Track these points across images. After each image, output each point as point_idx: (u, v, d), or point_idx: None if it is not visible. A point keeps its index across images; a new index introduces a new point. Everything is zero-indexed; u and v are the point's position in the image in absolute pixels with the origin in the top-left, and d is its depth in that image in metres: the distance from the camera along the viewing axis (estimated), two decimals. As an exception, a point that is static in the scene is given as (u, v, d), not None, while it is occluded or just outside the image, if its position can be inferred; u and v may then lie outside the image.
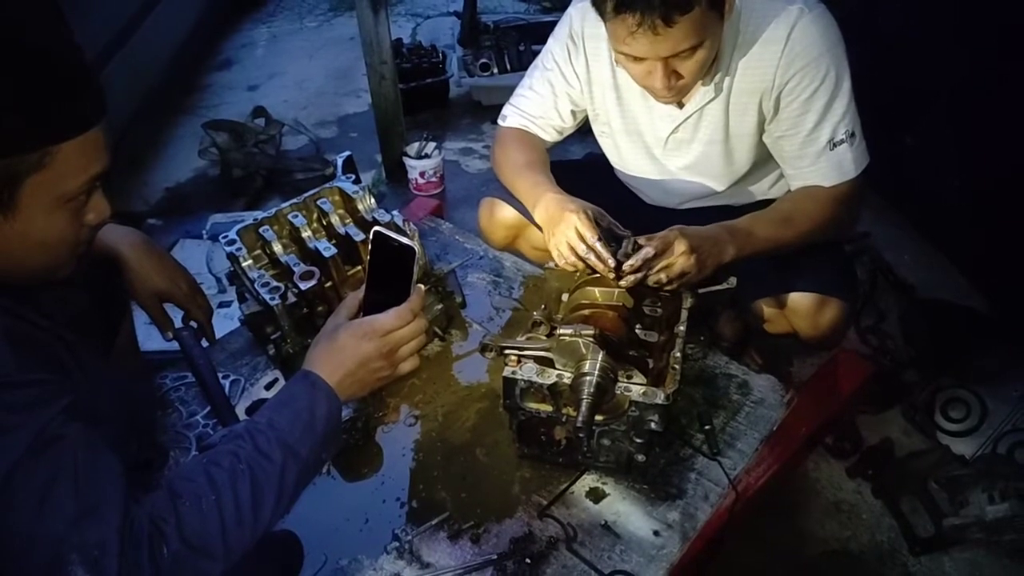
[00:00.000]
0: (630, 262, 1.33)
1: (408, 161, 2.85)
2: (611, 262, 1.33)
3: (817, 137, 1.43)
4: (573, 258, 1.37)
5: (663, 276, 1.35)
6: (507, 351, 1.33)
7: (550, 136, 1.72)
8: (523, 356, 1.32)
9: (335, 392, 1.04)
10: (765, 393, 1.58)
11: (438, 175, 2.88)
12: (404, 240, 1.11)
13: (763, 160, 1.58)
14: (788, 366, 1.86)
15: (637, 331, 1.37)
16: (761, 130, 1.50)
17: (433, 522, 1.36)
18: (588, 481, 1.42)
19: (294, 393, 1.03)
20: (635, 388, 1.27)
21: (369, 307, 1.17)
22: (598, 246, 1.34)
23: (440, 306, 1.67)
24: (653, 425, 1.27)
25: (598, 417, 1.27)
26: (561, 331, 1.29)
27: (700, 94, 1.48)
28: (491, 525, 1.36)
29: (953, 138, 2.08)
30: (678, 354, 1.35)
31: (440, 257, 1.96)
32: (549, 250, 1.42)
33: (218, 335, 1.77)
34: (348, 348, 1.06)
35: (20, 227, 0.84)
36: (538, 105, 1.69)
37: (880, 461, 1.64)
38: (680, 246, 1.34)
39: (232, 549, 0.86)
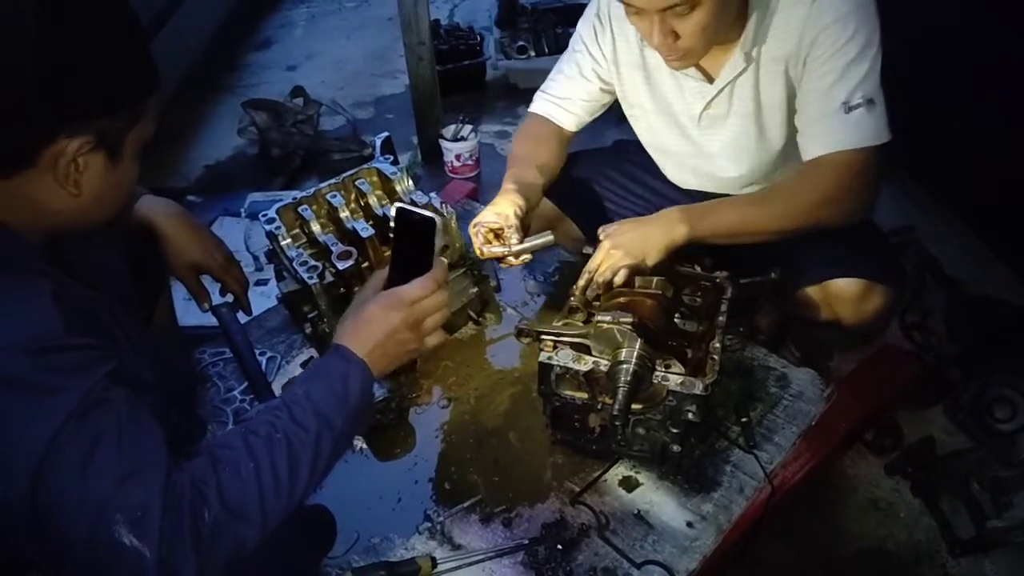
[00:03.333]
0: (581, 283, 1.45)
1: (444, 144, 2.84)
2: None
3: (833, 96, 1.34)
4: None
5: (597, 280, 1.41)
6: (543, 336, 1.32)
7: (576, 119, 1.70)
8: (559, 342, 1.31)
9: (367, 365, 1.04)
10: (804, 387, 1.55)
11: (474, 158, 2.87)
12: (426, 213, 1.11)
13: (795, 136, 1.53)
14: (828, 360, 1.82)
15: (676, 320, 1.35)
16: (792, 101, 1.45)
17: (465, 504, 1.37)
18: (621, 470, 1.41)
19: (328, 366, 1.03)
20: (673, 377, 1.25)
21: (393, 283, 1.17)
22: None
23: (475, 289, 1.66)
24: (691, 416, 1.25)
25: (634, 406, 1.26)
26: (599, 318, 1.28)
27: (729, 66, 1.44)
28: (523, 510, 1.35)
29: (1002, 126, 2.01)
30: (717, 345, 1.33)
31: (476, 240, 1.95)
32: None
33: (255, 312, 1.79)
34: (376, 320, 1.06)
35: (119, 175, 0.92)
36: (565, 86, 1.68)
37: (921, 459, 1.60)
38: (605, 244, 1.41)
39: (269, 516, 0.87)
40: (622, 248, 1.39)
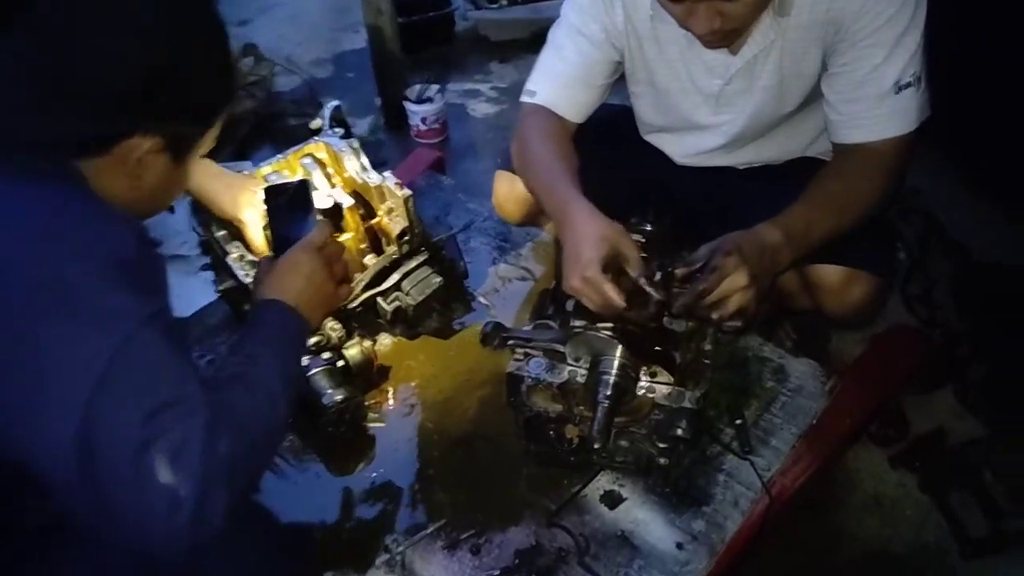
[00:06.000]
0: (684, 300, 1.08)
1: (408, 106, 2.62)
2: (620, 303, 1.07)
3: (882, 75, 1.18)
4: (599, 309, 1.11)
5: (715, 316, 1.09)
6: (512, 343, 1.15)
7: (583, 108, 1.41)
8: (530, 348, 1.15)
9: (298, 311, 1.02)
10: (803, 380, 1.41)
11: (441, 121, 2.65)
12: (294, 180, 1.16)
13: (812, 100, 1.34)
14: (826, 342, 1.67)
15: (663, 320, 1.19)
16: (821, 70, 1.26)
17: (428, 530, 1.22)
18: (603, 483, 1.27)
19: (262, 319, 1.01)
20: (659, 388, 1.10)
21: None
22: (610, 295, 1.07)
23: (439, 280, 1.48)
24: (680, 432, 1.10)
25: (617, 419, 1.10)
26: (576, 322, 1.11)
27: (759, 36, 1.24)
28: (493, 534, 1.21)
29: (1016, 80, 1.83)
30: (708, 347, 1.17)
31: (440, 220, 1.78)
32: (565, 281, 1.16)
33: (199, 305, 1.64)
34: (290, 270, 1.06)
35: (178, 175, 0.94)
36: (573, 66, 1.38)
37: (930, 451, 1.48)
38: (740, 278, 1.06)
39: (274, 447, 1.04)
40: (755, 285, 1.08)
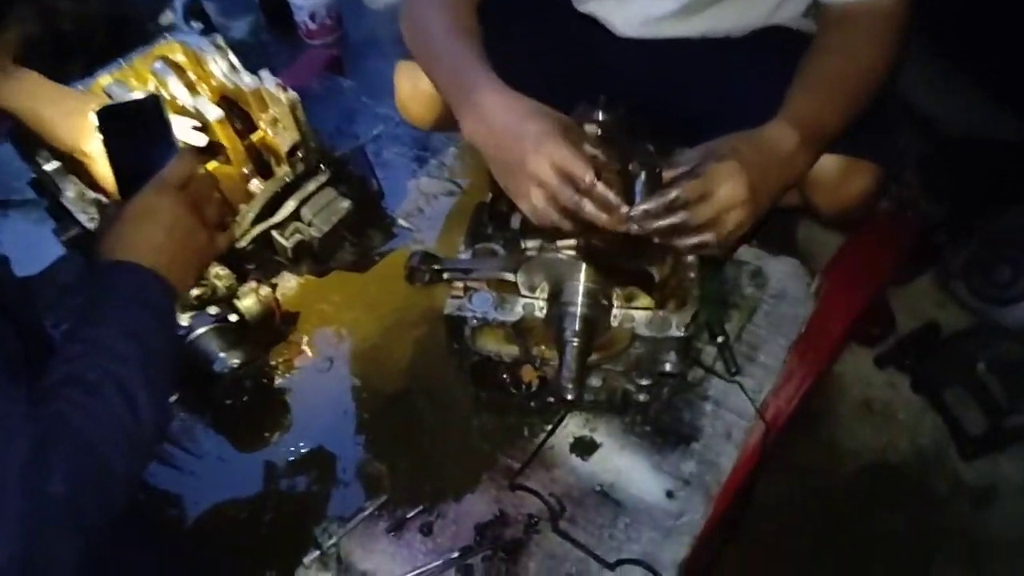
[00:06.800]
0: (646, 206, 0.79)
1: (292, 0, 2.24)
2: (624, 210, 0.78)
3: None
4: (555, 216, 0.82)
5: (709, 238, 0.82)
6: (447, 276, 0.90)
7: None
8: (472, 281, 0.90)
9: (161, 276, 0.80)
10: (786, 282, 1.22)
11: (333, 15, 2.27)
12: (139, 94, 1.00)
13: None
14: (792, 236, 1.47)
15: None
16: None
17: (367, 511, 1.00)
18: (572, 428, 1.06)
19: (108, 290, 0.78)
20: (639, 316, 0.88)
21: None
22: (599, 188, 0.78)
23: (348, 202, 1.20)
24: (668, 366, 0.89)
25: (589, 358, 0.88)
26: (528, 242, 0.87)
27: None
28: (446, 507, 1.00)
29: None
30: (692, 259, 0.95)
31: (342, 130, 1.48)
32: (504, 190, 0.87)
33: (52, 258, 1.32)
34: (143, 218, 0.82)
35: None
36: None
37: (920, 347, 1.33)
38: (737, 188, 0.81)
39: (133, 466, 0.72)
40: (755, 199, 0.83)
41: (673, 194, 0.79)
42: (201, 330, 1.05)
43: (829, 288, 1.22)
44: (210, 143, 1.13)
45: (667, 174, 0.83)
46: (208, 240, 0.88)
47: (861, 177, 1.06)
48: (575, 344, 0.83)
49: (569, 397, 0.81)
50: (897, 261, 1.30)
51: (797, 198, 1.15)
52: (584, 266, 0.85)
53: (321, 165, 1.20)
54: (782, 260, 1.25)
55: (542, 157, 0.79)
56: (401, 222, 1.32)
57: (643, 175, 0.82)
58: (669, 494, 1.00)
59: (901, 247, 1.30)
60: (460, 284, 0.91)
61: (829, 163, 1.05)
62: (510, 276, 0.88)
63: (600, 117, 0.95)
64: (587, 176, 0.78)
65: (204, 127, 1.12)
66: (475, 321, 0.89)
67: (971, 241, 1.45)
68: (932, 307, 1.43)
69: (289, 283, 1.24)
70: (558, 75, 1.10)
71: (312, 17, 2.25)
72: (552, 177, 0.79)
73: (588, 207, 0.79)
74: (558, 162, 0.79)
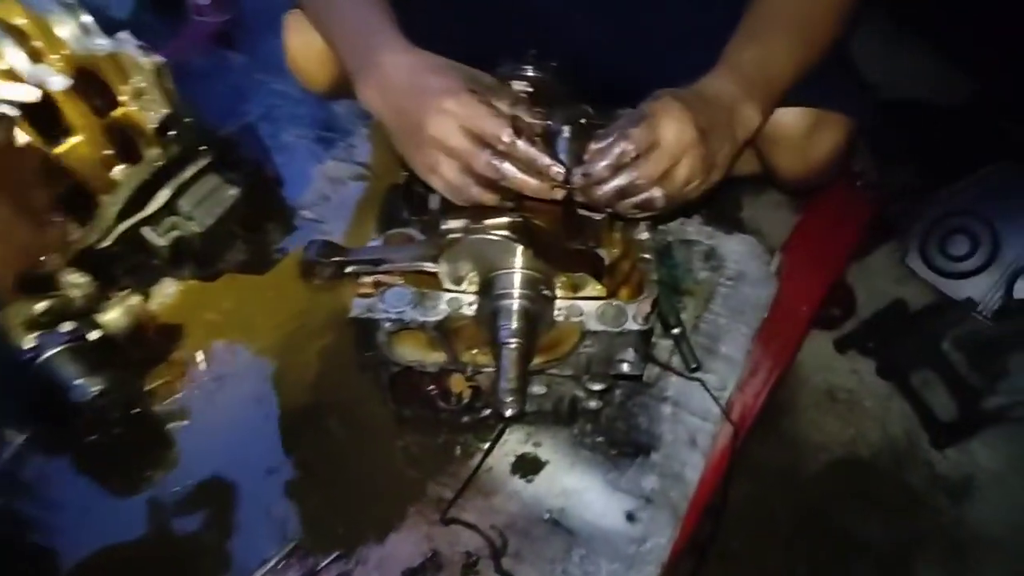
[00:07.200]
0: (588, 168, 0.67)
1: (180, -24, 2.00)
2: (558, 170, 0.66)
3: None
4: (474, 189, 0.69)
5: (657, 195, 0.70)
6: (352, 269, 0.73)
7: None
8: (384, 275, 0.74)
9: None
10: (743, 263, 1.10)
11: (227, -8, 2.05)
12: None
13: None
14: (737, 211, 1.36)
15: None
16: None
17: (271, 561, 0.82)
18: (512, 445, 0.90)
19: None
20: (588, 308, 0.72)
21: None
22: (521, 146, 0.66)
23: (235, 190, 1.01)
24: (625, 367, 0.74)
25: (531, 363, 0.72)
26: (449, 224, 0.70)
27: None
28: (367, 551, 0.83)
29: None
30: (646, 235, 0.80)
31: (233, 109, 1.28)
32: (411, 167, 0.73)
33: None
34: None
35: None
36: None
37: (887, 328, 1.23)
38: (685, 129, 0.68)
39: None
40: (711, 149, 0.71)
41: (619, 147, 0.65)
42: (50, 352, 0.85)
43: (790, 267, 1.11)
44: (58, 119, 0.93)
45: (600, 134, 0.68)
46: (33, 233, 0.69)
47: (830, 131, 0.94)
48: (513, 346, 0.68)
49: (508, 413, 0.65)
50: (860, 233, 1.20)
51: (755, 165, 1.03)
52: (520, 249, 0.69)
53: (202, 147, 1.01)
54: (736, 238, 1.12)
55: (445, 117, 0.66)
56: (304, 213, 1.14)
57: (566, 130, 0.68)
58: (630, 516, 0.85)
59: (863, 218, 1.20)
60: (369, 279, 0.74)
61: (792, 117, 0.92)
62: (430, 266, 0.72)
63: (530, 73, 0.80)
64: (503, 134, 0.65)
65: (53, 104, 0.92)
66: (390, 324, 0.72)
67: (925, 213, 1.36)
68: (891, 284, 1.33)
69: (168, 290, 1.04)
70: (482, 30, 0.94)
71: (202, -7, 2.03)
72: (461, 140, 0.66)
73: (511, 172, 0.65)
74: (465, 121, 0.66)
